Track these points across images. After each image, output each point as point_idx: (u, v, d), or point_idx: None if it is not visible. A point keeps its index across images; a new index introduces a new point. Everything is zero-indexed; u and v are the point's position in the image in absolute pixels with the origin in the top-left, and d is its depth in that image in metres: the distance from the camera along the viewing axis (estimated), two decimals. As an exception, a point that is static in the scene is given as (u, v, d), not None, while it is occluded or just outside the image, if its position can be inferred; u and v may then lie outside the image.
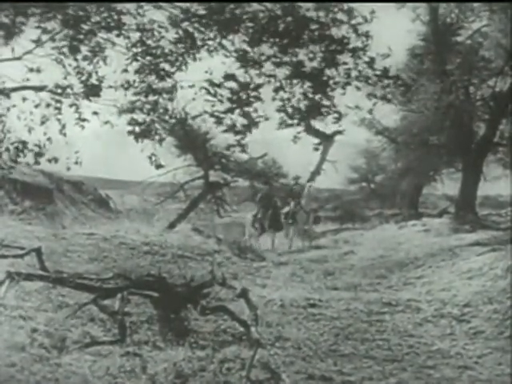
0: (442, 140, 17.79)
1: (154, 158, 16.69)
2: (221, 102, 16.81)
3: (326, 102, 16.86)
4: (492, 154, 17.95)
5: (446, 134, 17.59)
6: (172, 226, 17.83)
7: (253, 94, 16.71)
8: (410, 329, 11.71)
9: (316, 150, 17.72)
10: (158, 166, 16.92)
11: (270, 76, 16.61)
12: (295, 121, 17.11)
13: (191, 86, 16.45)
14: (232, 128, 17.20)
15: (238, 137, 17.29)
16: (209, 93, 16.68)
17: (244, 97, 16.69)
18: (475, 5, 17.29)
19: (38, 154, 15.74)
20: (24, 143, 15.62)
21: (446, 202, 19.15)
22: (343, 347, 10.90)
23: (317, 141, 17.72)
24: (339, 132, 17.76)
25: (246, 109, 16.80)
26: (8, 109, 15.62)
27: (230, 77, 16.64)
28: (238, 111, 16.91)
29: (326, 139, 17.94)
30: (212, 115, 17.12)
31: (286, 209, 17.88)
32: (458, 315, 12.15)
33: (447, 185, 18.75)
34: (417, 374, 10.10)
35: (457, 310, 12.33)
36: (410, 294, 13.35)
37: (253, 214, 17.96)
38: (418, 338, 11.36)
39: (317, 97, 16.82)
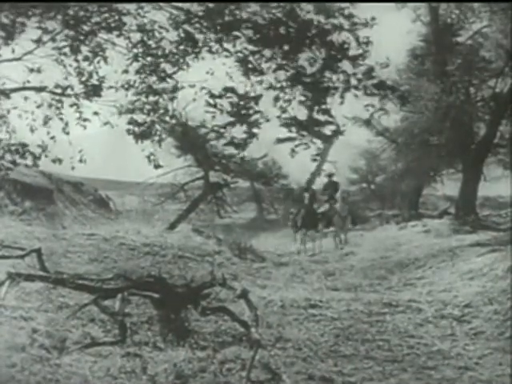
0: (442, 141, 17.75)
1: (152, 158, 16.64)
2: (221, 111, 16.86)
3: (323, 117, 16.95)
4: (492, 155, 17.92)
5: (447, 135, 17.56)
6: (172, 226, 17.80)
7: (253, 105, 16.74)
8: (410, 329, 11.71)
9: (314, 160, 17.77)
10: (157, 166, 16.88)
11: (270, 87, 16.62)
12: (293, 134, 17.18)
13: (192, 86, 16.44)
14: (232, 142, 17.33)
15: (239, 150, 17.43)
16: (209, 104, 16.75)
17: (244, 109, 16.72)
18: (475, 5, 17.28)
19: (37, 157, 15.68)
20: (24, 145, 15.58)
21: (447, 203, 19.11)
22: (344, 348, 10.91)
23: (315, 152, 17.75)
24: (339, 133, 17.77)
25: (248, 120, 16.85)
26: (8, 111, 15.59)
27: (229, 89, 16.69)
28: (238, 125, 16.98)
29: (326, 140, 17.95)
30: (212, 130, 17.26)
31: (322, 209, 17.69)
32: (459, 316, 12.15)
33: (447, 185, 18.71)
34: (417, 375, 10.11)
35: (457, 310, 12.33)
36: (411, 295, 13.34)
37: (291, 214, 17.87)
38: (418, 338, 11.36)
39: (315, 108, 16.87)
